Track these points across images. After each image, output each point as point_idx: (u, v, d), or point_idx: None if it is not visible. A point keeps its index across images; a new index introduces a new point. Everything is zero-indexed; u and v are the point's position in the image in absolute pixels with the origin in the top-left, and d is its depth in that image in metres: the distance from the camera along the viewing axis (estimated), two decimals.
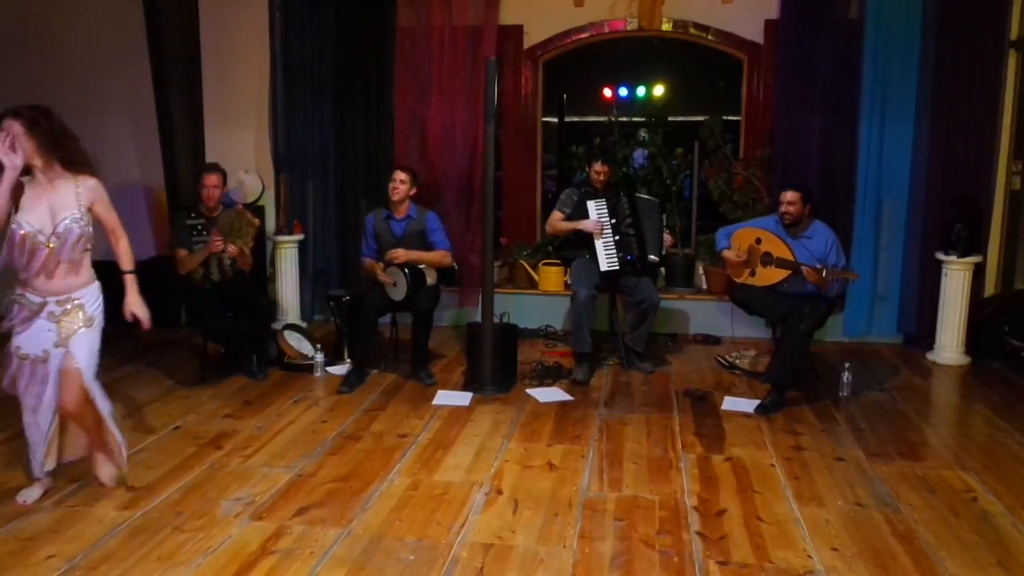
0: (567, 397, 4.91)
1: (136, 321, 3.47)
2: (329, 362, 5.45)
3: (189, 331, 6.32)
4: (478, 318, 5.18)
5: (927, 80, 5.90)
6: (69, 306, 3.29)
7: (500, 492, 3.57)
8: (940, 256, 5.74)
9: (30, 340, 3.28)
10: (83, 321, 3.31)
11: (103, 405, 3.38)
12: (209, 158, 6.43)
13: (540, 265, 6.62)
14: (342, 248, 6.79)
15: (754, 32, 6.39)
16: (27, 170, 3.19)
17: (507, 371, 5.13)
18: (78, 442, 3.55)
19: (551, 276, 6.56)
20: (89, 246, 3.33)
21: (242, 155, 6.71)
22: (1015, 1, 5.76)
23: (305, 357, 5.53)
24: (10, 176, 3.10)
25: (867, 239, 6.12)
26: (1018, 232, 5.97)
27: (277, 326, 5.79)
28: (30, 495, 3.44)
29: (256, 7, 6.50)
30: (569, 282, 5.67)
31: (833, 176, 6.13)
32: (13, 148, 3.10)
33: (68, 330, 3.28)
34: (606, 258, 5.38)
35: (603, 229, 5.40)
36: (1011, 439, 4.26)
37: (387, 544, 3.10)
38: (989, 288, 6.06)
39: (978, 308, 5.83)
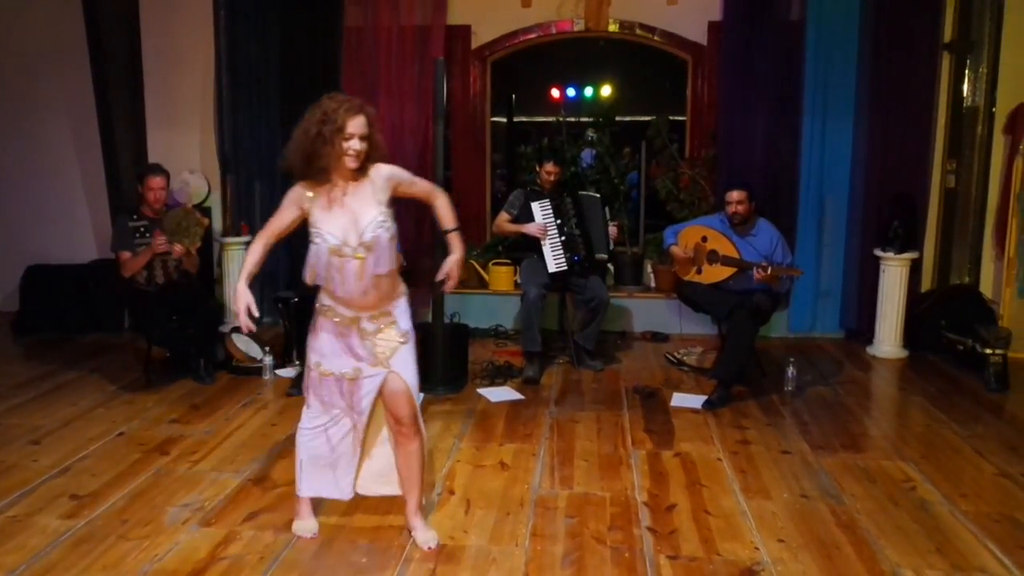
0: (518, 396, 4.93)
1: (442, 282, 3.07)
2: (278, 365, 5.39)
3: (133, 335, 6.20)
4: (429, 318, 5.17)
5: (865, 81, 6.06)
6: (382, 323, 2.94)
7: (452, 492, 3.57)
8: (878, 252, 5.89)
9: (335, 356, 2.94)
10: (400, 337, 2.97)
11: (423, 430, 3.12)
12: (152, 159, 6.32)
13: (490, 265, 6.63)
14: (290, 249, 6.68)
15: (698, 33, 6.49)
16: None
17: (458, 371, 5.13)
18: (379, 478, 3.27)
19: (501, 276, 6.58)
20: (397, 248, 2.96)
21: (186, 156, 6.60)
22: (949, 4, 5.94)
23: (253, 360, 5.47)
24: None
25: (810, 237, 6.26)
26: (953, 229, 6.16)
27: (224, 329, 5.71)
28: (306, 528, 3.18)
29: (199, 6, 6.40)
30: (519, 282, 5.69)
31: (776, 175, 6.26)
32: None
33: (385, 349, 2.94)
34: (553, 260, 5.40)
35: (547, 232, 5.42)
36: (948, 429, 4.39)
37: (339, 547, 3.08)
38: (926, 283, 6.25)
39: (915, 303, 6.01)
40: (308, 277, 2.89)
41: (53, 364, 5.56)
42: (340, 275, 2.83)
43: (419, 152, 6.42)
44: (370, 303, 2.89)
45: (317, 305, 2.97)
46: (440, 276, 3.05)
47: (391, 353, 2.95)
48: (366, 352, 2.93)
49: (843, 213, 6.30)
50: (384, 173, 2.90)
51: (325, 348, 2.96)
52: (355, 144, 2.76)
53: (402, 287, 3.03)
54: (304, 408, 3.09)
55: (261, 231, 2.96)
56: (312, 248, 2.83)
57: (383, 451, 3.23)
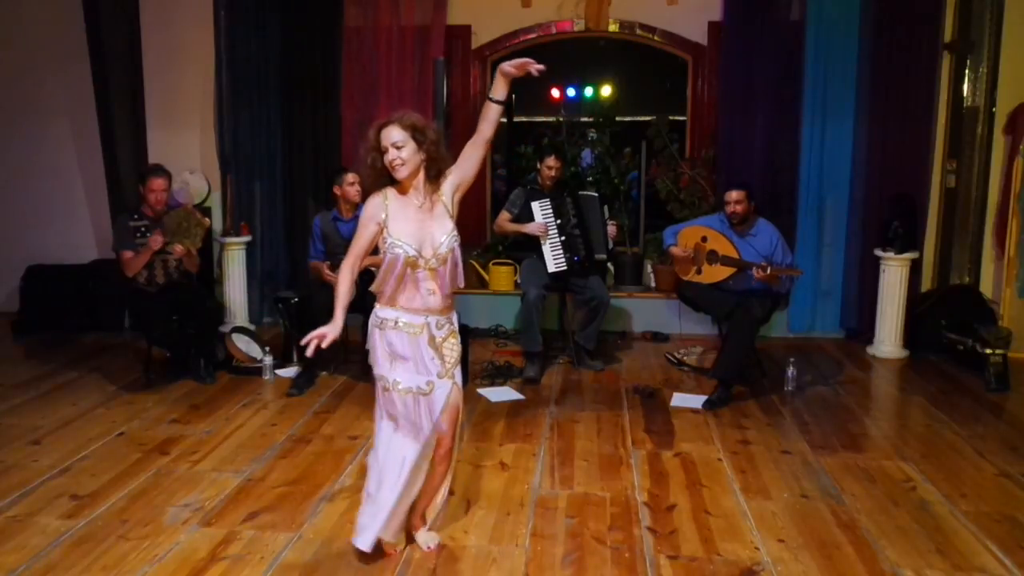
0: (518, 396, 4.92)
1: None
2: (278, 365, 5.39)
3: (133, 335, 6.20)
4: None
5: (865, 81, 6.06)
6: (446, 330, 2.91)
7: (452, 492, 3.55)
8: (878, 252, 5.89)
9: (409, 372, 2.84)
10: (458, 347, 2.96)
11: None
12: (152, 159, 6.31)
13: (490, 265, 6.63)
14: (290, 249, 6.73)
15: (698, 33, 6.49)
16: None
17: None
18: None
19: (501, 276, 6.57)
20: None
21: (187, 155, 6.60)
22: (949, 4, 5.94)
23: (254, 360, 5.47)
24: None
25: (810, 237, 6.26)
26: (953, 229, 6.16)
27: (225, 329, 5.71)
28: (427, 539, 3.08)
29: (199, 5, 6.40)
30: (519, 282, 5.68)
31: (776, 175, 6.27)
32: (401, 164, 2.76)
33: (451, 358, 2.92)
34: (553, 260, 5.40)
35: (548, 231, 5.42)
36: (948, 429, 4.39)
37: (339, 547, 3.08)
38: (926, 283, 6.25)
39: (915, 303, 6.01)
40: (376, 286, 2.88)
41: (53, 364, 5.56)
42: (412, 284, 2.81)
43: None
44: (437, 307, 2.86)
45: (376, 320, 2.88)
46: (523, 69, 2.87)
47: (455, 362, 2.94)
48: (435, 362, 2.87)
49: (843, 213, 6.29)
50: (449, 182, 2.87)
51: (400, 365, 2.85)
52: (389, 155, 2.77)
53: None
54: (377, 434, 2.95)
55: (346, 259, 2.90)
56: (388, 257, 2.80)
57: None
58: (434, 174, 2.85)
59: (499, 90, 2.86)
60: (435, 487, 3.06)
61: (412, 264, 2.78)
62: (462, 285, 2.94)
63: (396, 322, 2.84)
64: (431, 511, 3.15)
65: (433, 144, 2.82)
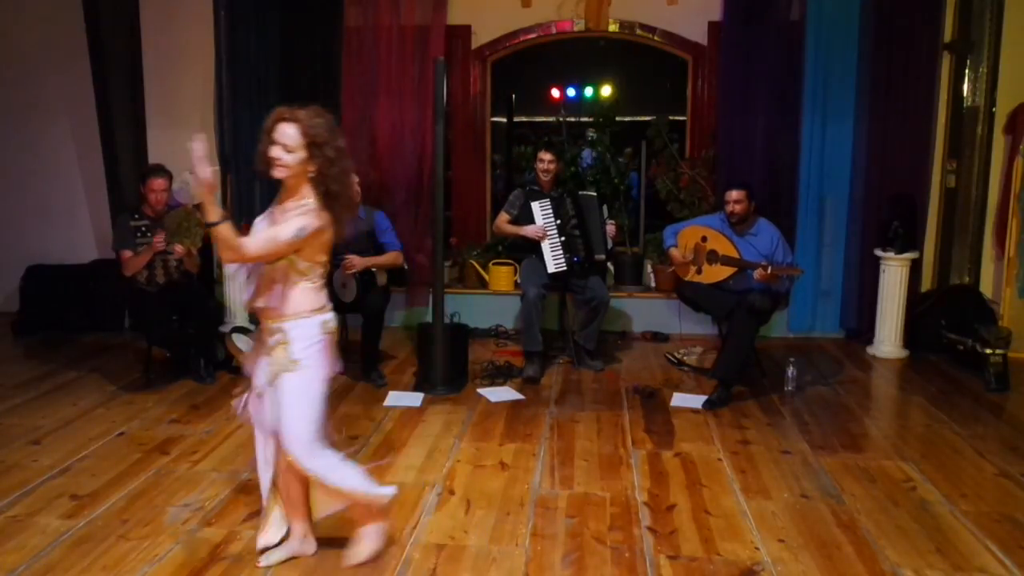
0: (518, 396, 4.92)
1: None
2: None
3: (133, 335, 6.20)
4: (429, 318, 5.17)
5: (865, 81, 6.06)
6: (277, 339, 2.72)
7: (452, 492, 3.58)
8: (878, 252, 5.89)
9: (258, 369, 2.83)
10: (287, 362, 2.71)
11: (322, 471, 2.81)
12: (152, 159, 6.31)
13: (490, 265, 6.63)
14: None
15: (698, 33, 6.48)
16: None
17: (458, 371, 5.13)
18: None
19: (501, 276, 6.57)
20: (300, 278, 2.71)
21: (186, 155, 6.47)
22: (949, 4, 5.94)
23: None
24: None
25: (811, 237, 6.26)
26: (953, 229, 6.17)
27: (225, 329, 5.71)
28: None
29: (199, 6, 6.39)
30: (519, 282, 5.68)
31: (777, 175, 6.26)
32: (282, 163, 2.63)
33: (272, 368, 2.74)
34: (553, 260, 5.40)
35: (546, 234, 5.42)
36: (948, 429, 4.39)
37: (339, 547, 3.07)
38: (926, 283, 6.25)
39: (915, 303, 6.01)
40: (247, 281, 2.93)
41: (53, 364, 5.56)
42: (251, 277, 2.80)
43: (418, 152, 6.42)
44: (265, 314, 2.76)
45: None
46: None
47: (273, 376, 2.74)
48: (266, 369, 2.78)
49: (843, 213, 6.29)
50: (304, 222, 2.65)
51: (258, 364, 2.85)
52: (273, 151, 2.64)
53: (309, 316, 2.75)
54: None
55: None
56: None
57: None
58: (321, 191, 2.68)
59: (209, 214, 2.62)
60: (292, 498, 2.96)
61: None
62: (282, 306, 2.72)
63: (257, 326, 2.89)
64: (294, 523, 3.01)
65: (327, 161, 2.65)
